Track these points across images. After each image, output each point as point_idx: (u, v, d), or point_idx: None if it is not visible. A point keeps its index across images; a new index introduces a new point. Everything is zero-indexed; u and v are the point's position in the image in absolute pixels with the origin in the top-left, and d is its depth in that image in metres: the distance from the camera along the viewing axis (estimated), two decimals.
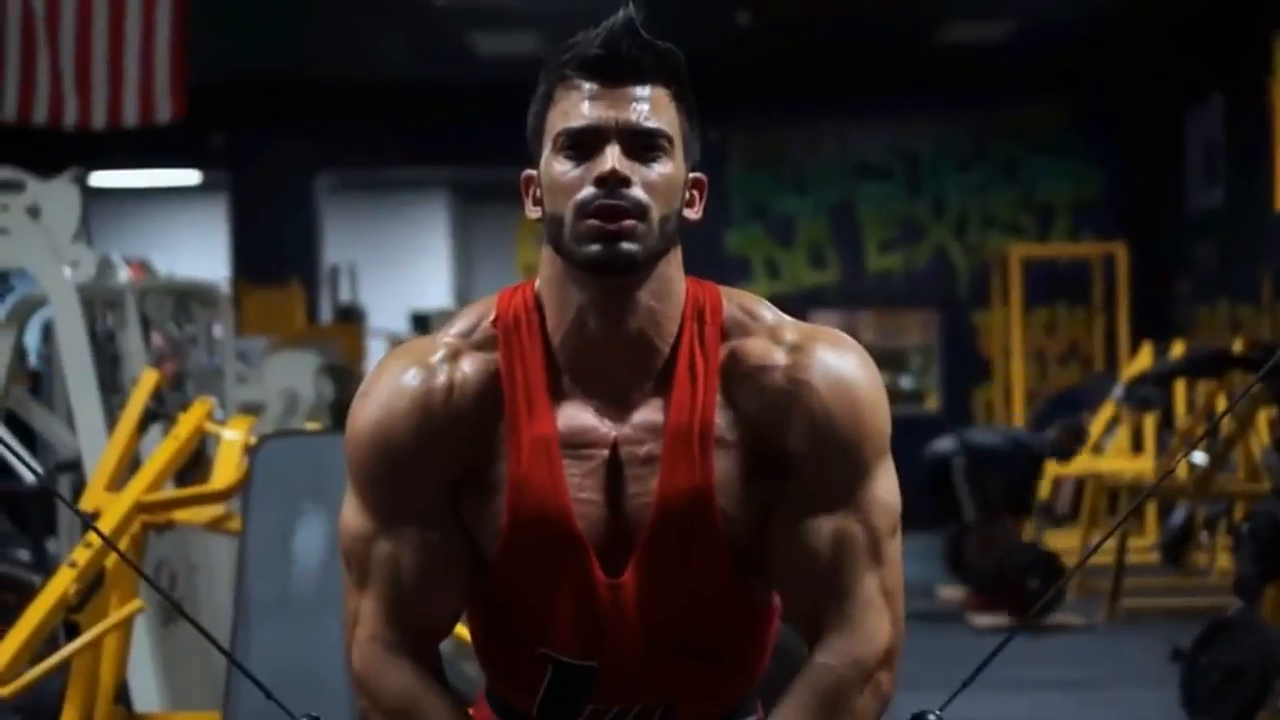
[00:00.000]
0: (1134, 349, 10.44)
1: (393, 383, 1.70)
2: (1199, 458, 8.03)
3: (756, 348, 1.69)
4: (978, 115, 12.97)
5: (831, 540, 1.67)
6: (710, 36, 10.56)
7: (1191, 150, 12.05)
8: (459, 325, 1.72)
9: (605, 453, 1.66)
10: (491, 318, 1.71)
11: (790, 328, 1.71)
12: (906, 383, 13.56)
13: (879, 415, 1.69)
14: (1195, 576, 8.71)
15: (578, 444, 1.66)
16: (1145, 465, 8.99)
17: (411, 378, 1.69)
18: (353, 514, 1.73)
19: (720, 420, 1.67)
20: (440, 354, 1.70)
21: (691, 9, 9.95)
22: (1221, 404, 8.32)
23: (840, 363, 1.69)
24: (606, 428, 1.67)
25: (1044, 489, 9.61)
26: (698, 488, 1.65)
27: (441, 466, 1.69)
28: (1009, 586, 7.42)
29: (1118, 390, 9.34)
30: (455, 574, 1.72)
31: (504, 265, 14.64)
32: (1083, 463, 9.42)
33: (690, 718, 1.73)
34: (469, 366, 1.69)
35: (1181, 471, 8.13)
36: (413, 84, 12.36)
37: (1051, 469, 9.66)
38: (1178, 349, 9.14)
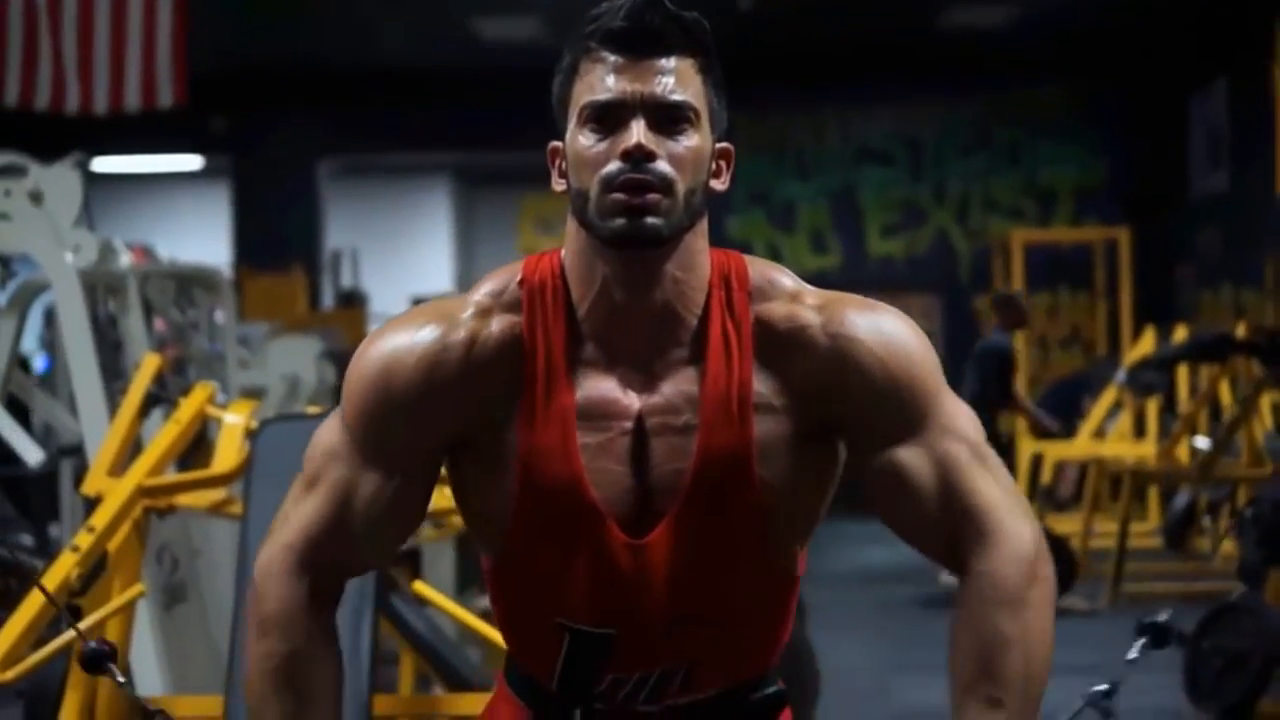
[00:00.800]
0: (1136, 334, 10.44)
1: (412, 329, 1.68)
2: (1202, 442, 8.03)
3: (781, 310, 1.69)
4: (980, 100, 12.95)
5: (933, 466, 1.67)
6: (712, 21, 10.50)
7: (1195, 135, 12.04)
8: (489, 285, 1.70)
9: (628, 424, 1.65)
10: (518, 279, 1.69)
11: (811, 293, 1.71)
12: None
13: (927, 351, 1.69)
14: (1198, 561, 8.71)
15: (599, 414, 1.65)
16: (1147, 450, 8.99)
17: (430, 330, 1.67)
18: (331, 431, 1.72)
19: (760, 387, 1.66)
20: (470, 311, 1.68)
21: None
22: (1224, 389, 8.32)
23: (873, 315, 1.69)
24: (630, 399, 1.65)
25: (1046, 473, 9.62)
26: (737, 455, 1.64)
27: (438, 424, 1.67)
28: None
29: (1120, 375, 9.35)
30: (397, 525, 1.72)
31: (505, 249, 14.63)
32: (1085, 447, 9.42)
33: (709, 682, 1.72)
34: (496, 326, 1.67)
35: (1184, 456, 8.14)
36: (414, 69, 12.36)
37: (1054, 453, 9.67)
38: (1180, 334, 9.14)
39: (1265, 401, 7.59)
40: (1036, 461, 9.68)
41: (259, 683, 1.68)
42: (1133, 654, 1.70)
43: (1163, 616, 1.72)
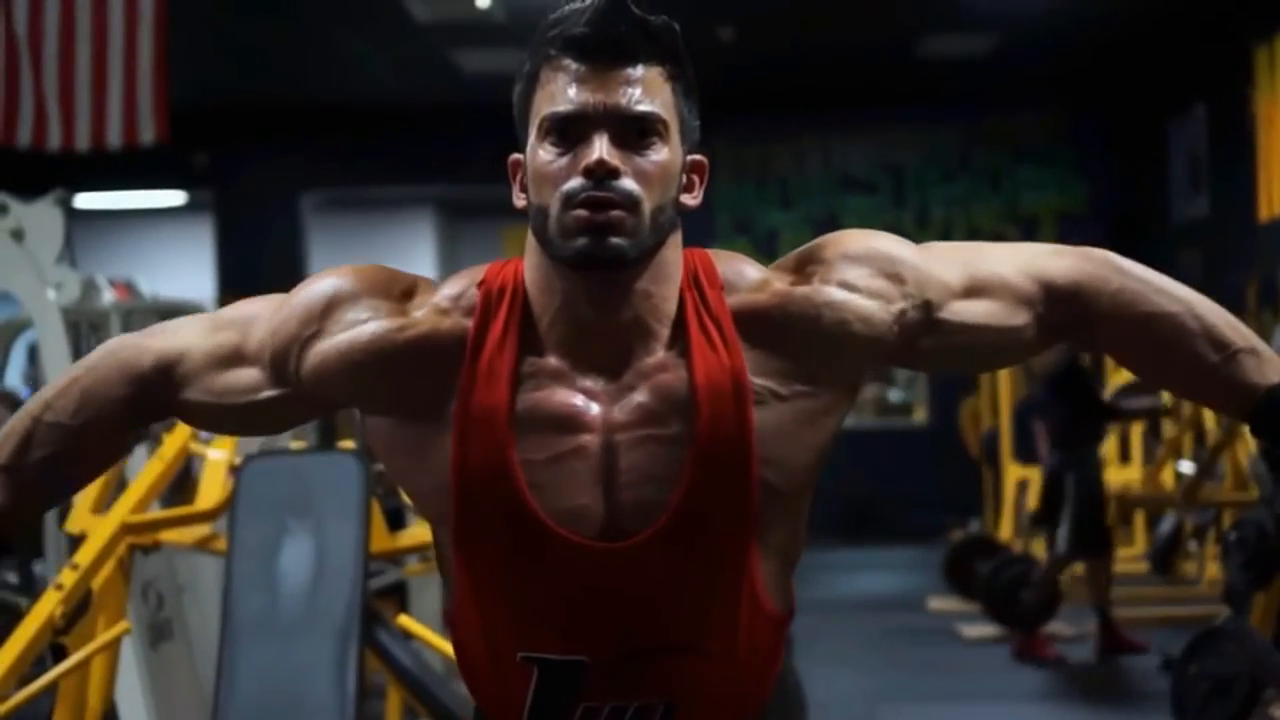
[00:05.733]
0: None
1: (375, 301, 1.61)
2: (1187, 467, 8.04)
3: (758, 296, 1.62)
4: (961, 127, 13.00)
5: (979, 306, 1.70)
6: (694, 51, 10.55)
7: (1175, 160, 12.08)
8: (451, 288, 1.63)
9: (591, 436, 1.57)
10: (479, 281, 1.62)
11: (778, 272, 1.65)
12: (895, 396, 13.57)
13: (899, 241, 1.71)
14: (1184, 586, 8.72)
15: (552, 425, 1.57)
16: (1133, 474, 8.99)
17: (388, 319, 1.60)
18: (265, 310, 1.65)
19: (755, 376, 1.59)
20: (427, 310, 1.61)
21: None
22: (1208, 413, 8.31)
23: (839, 236, 1.69)
24: (594, 411, 1.57)
25: (1032, 499, 9.61)
26: (737, 453, 1.57)
27: (353, 393, 1.62)
28: (1001, 599, 7.41)
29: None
30: (243, 418, 1.67)
31: None
32: None
33: None
34: (447, 326, 1.60)
35: (1169, 481, 8.14)
36: (397, 102, 12.37)
37: (1040, 478, 9.66)
38: None
39: None
40: (1022, 487, 9.67)
41: (25, 421, 1.66)
42: None
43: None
